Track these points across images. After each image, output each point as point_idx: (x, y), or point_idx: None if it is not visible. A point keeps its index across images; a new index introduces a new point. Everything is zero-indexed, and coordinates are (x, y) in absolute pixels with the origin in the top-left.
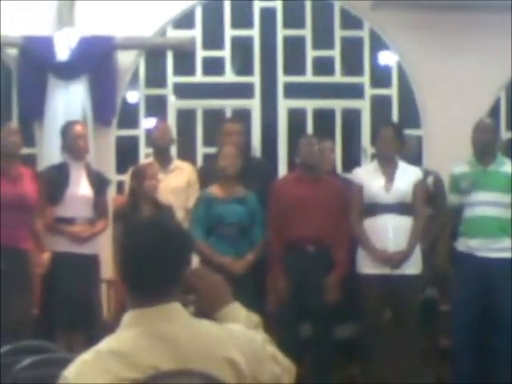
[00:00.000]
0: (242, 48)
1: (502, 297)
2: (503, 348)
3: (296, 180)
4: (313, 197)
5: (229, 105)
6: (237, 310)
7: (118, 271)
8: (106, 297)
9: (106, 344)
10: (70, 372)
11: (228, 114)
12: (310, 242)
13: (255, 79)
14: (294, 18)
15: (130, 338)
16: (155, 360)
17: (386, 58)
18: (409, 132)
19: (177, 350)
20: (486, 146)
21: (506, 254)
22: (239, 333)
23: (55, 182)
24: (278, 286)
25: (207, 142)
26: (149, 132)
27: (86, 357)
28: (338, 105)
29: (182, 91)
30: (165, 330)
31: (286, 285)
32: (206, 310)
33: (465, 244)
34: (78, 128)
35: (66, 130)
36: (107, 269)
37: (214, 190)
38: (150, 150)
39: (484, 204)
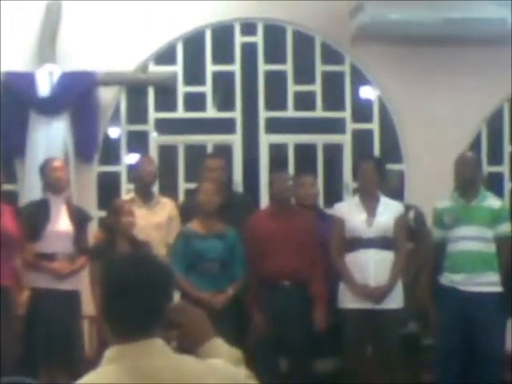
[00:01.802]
0: (223, 83)
1: (486, 330)
2: (488, 381)
3: (269, 215)
4: (286, 231)
5: (210, 140)
6: (219, 345)
7: (97, 307)
8: (88, 333)
9: (88, 380)
10: None
11: (209, 149)
12: (285, 276)
13: (237, 114)
14: (275, 53)
15: (111, 374)
16: None
17: (367, 93)
18: (390, 166)
19: None
20: (468, 180)
21: (490, 288)
22: (221, 368)
23: (35, 218)
24: (255, 322)
25: (189, 177)
26: (131, 167)
27: None
28: (319, 139)
29: (163, 127)
30: (146, 365)
31: (264, 320)
32: (188, 345)
33: (448, 278)
34: (57, 163)
35: (45, 166)
36: (88, 305)
37: (194, 225)
38: (132, 186)
39: (467, 239)
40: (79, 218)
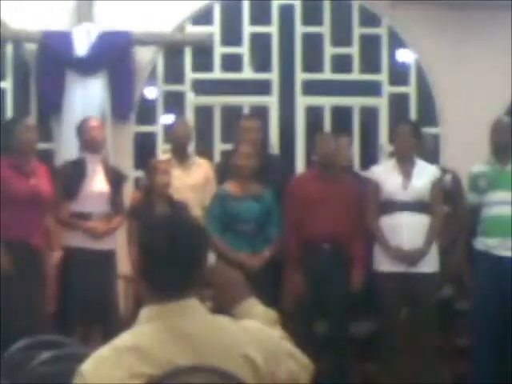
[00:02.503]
0: (260, 45)
1: None
2: None
3: (312, 178)
4: (329, 195)
5: (247, 101)
6: (254, 306)
7: (134, 267)
8: (123, 292)
9: (123, 339)
10: (87, 367)
11: (246, 110)
12: (326, 239)
13: (273, 76)
14: (312, 15)
15: (146, 334)
16: (172, 355)
17: (404, 56)
18: (426, 130)
19: (194, 346)
20: (503, 145)
21: None
22: (256, 330)
23: (72, 178)
24: (294, 284)
25: (225, 138)
26: (167, 128)
27: (103, 352)
28: (355, 102)
29: (200, 87)
30: (182, 325)
31: (303, 282)
32: (224, 305)
33: (483, 243)
34: (94, 122)
35: (82, 125)
36: (123, 265)
37: (230, 187)
38: (168, 146)
39: (502, 203)
40: (115, 178)
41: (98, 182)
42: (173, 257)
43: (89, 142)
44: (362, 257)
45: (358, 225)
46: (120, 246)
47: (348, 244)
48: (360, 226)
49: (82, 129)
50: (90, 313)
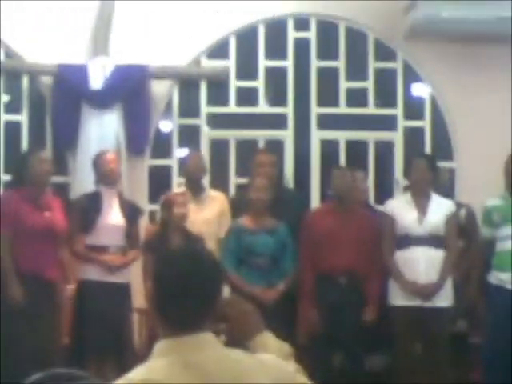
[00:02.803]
0: (275, 78)
1: None
2: None
3: (328, 212)
4: (345, 228)
5: (262, 135)
6: (268, 339)
7: (149, 300)
8: (137, 326)
9: (138, 373)
10: None
11: (261, 144)
12: (342, 273)
13: (288, 110)
14: (327, 49)
15: (161, 367)
16: None
17: (420, 90)
18: (441, 164)
19: (208, 380)
20: None
21: None
22: (271, 363)
23: (87, 211)
24: (309, 317)
25: (240, 172)
26: (182, 161)
27: None
28: (370, 136)
29: (215, 121)
30: (196, 359)
31: (317, 316)
32: (238, 338)
33: (496, 277)
34: (110, 155)
35: (99, 158)
36: (138, 298)
37: (245, 221)
38: (183, 180)
39: None
40: (131, 212)
41: (113, 216)
42: (187, 290)
43: (105, 175)
44: (375, 294)
45: (373, 259)
46: (135, 279)
47: (363, 278)
48: (375, 260)
49: (98, 162)
50: (105, 346)
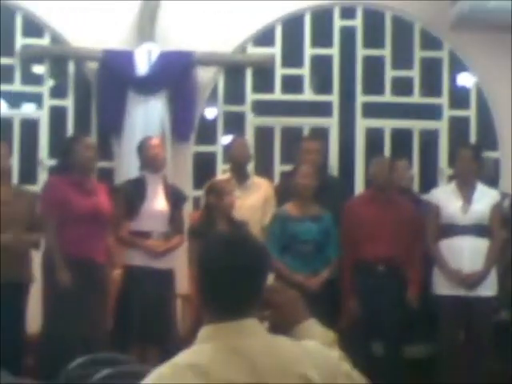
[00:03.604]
0: (321, 66)
1: None
2: None
3: (367, 200)
4: (384, 217)
5: (307, 123)
6: (313, 326)
7: (195, 286)
8: (180, 311)
9: (183, 357)
10: None
11: (306, 132)
12: (381, 261)
13: (334, 98)
14: (373, 38)
15: (206, 352)
16: (231, 375)
17: (465, 80)
18: (486, 154)
19: (253, 366)
20: None
21: None
22: (315, 349)
23: (132, 196)
24: (348, 305)
25: (284, 159)
26: (227, 148)
27: (163, 370)
28: (415, 125)
29: (260, 108)
30: (241, 345)
31: (356, 304)
32: (282, 325)
33: None
34: (155, 141)
35: (144, 144)
36: (182, 284)
37: (290, 208)
38: (227, 166)
39: None
40: (175, 198)
41: (158, 202)
42: (233, 276)
43: (150, 160)
44: (417, 279)
45: (413, 247)
46: (178, 265)
47: (402, 266)
48: (415, 248)
49: (143, 148)
50: (148, 331)
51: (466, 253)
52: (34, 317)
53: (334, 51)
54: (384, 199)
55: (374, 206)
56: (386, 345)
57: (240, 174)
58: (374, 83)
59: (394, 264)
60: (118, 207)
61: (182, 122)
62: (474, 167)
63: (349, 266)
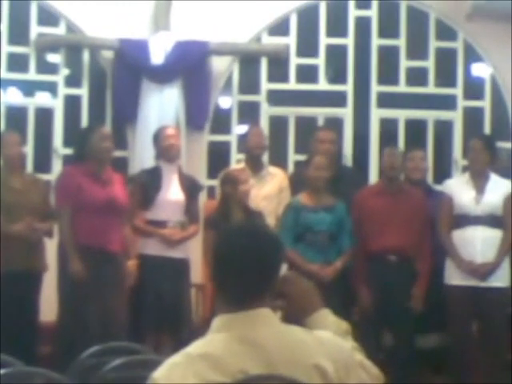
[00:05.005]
0: (335, 56)
1: None
2: None
3: (379, 191)
4: (395, 208)
5: (321, 113)
6: (326, 316)
7: (209, 276)
8: (195, 301)
9: (196, 347)
10: (160, 374)
11: (320, 122)
12: (392, 252)
13: (348, 88)
14: (388, 28)
15: (219, 342)
16: (244, 365)
17: (480, 70)
18: (501, 145)
19: (266, 356)
20: None
21: None
22: (328, 340)
23: (148, 186)
24: (360, 296)
25: (299, 149)
26: (241, 137)
27: (176, 359)
28: (430, 115)
29: (274, 98)
30: (255, 335)
31: (368, 294)
32: (296, 315)
33: None
34: (171, 131)
35: (159, 133)
36: (196, 274)
37: (303, 198)
38: (242, 156)
39: None
40: (191, 187)
41: (173, 191)
42: (247, 266)
43: (165, 150)
44: (425, 271)
45: (425, 238)
46: (193, 254)
47: (413, 257)
48: (427, 239)
49: (159, 137)
50: (163, 320)
51: (479, 243)
52: (49, 306)
53: (349, 41)
54: (395, 190)
55: (385, 196)
56: (398, 335)
57: (255, 164)
58: (388, 73)
59: (405, 254)
60: (133, 197)
61: (197, 111)
62: (485, 158)
63: (360, 256)
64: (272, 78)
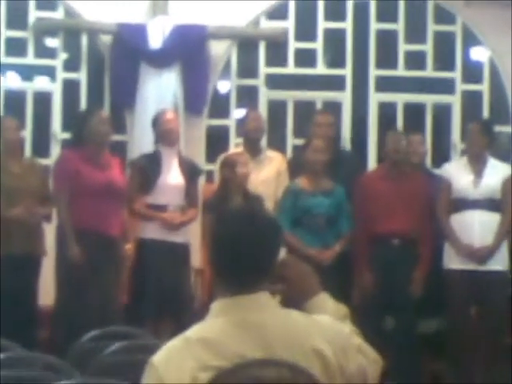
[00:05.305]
0: (334, 40)
1: None
2: None
3: (382, 175)
4: (398, 192)
5: (320, 97)
6: (325, 300)
7: (208, 260)
8: (194, 285)
9: (195, 331)
10: (158, 358)
11: (318, 105)
12: (395, 235)
13: (347, 72)
14: (387, 12)
15: (218, 326)
16: (242, 349)
17: (478, 54)
18: (499, 128)
19: (264, 340)
20: None
21: None
22: (327, 324)
23: (147, 170)
24: (362, 279)
25: (297, 133)
26: (240, 122)
27: (174, 343)
28: (428, 99)
29: (273, 82)
30: (253, 319)
31: (371, 278)
32: (295, 299)
33: None
34: (170, 115)
35: (158, 118)
36: (195, 258)
37: (302, 181)
38: (240, 140)
39: None
40: (190, 171)
41: (173, 175)
42: (245, 250)
43: (165, 134)
44: (427, 255)
45: (426, 222)
46: (192, 239)
47: (416, 241)
48: (429, 223)
49: (158, 121)
50: (163, 305)
51: (477, 227)
52: (48, 290)
53: (348, 25)
54: (398, 174)
55: (388, 180)
56: (398, 319)
57: (253, 148)
58: (387, 57)
59: (408, 238)
60: (132, 181)
61: (195, 95)
62: (483, 141)
63: (363, 239)
64: (270, 62)
